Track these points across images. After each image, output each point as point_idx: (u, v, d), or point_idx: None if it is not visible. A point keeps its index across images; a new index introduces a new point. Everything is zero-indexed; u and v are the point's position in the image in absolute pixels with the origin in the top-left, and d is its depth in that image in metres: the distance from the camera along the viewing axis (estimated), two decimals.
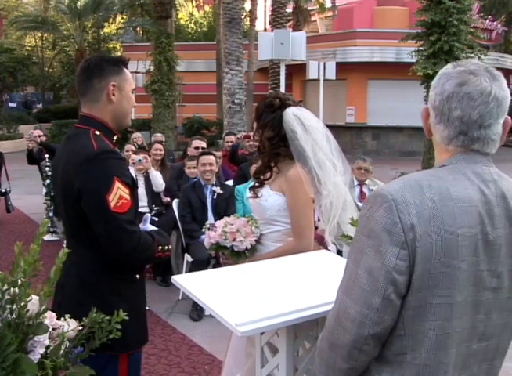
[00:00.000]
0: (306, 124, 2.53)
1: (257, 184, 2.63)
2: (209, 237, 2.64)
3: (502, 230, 1.33)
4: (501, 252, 1.33)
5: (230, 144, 7.37)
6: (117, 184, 1.93)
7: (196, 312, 4.77)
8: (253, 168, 4.53)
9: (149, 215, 2.30)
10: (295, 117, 2.53)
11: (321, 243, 2.95)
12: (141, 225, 2.20)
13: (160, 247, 2.10)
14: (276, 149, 2.55)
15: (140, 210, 5.78)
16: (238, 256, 2.59)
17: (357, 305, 1.30)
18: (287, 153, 2.54)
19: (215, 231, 2.61)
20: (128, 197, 1.97)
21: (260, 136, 2.60)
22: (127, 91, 2.12)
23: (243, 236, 2.56)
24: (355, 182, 5.97)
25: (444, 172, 1.35)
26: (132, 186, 2.03)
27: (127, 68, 2.16)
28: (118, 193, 1.93)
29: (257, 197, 2.60)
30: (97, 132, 2.05)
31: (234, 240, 2.56)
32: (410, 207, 1.26)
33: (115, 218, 1.92)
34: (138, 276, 2.11)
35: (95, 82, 2.08)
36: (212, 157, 5.38)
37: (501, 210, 1.33)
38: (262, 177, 2.61)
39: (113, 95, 2.08)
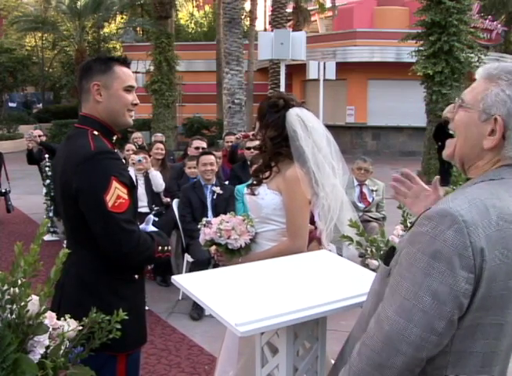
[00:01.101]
0: (308, 126, 2.54)
1: (255, 182, 2.64)
2: (204, 234, 2.65)
3: None
4: None
5: (230, 144, 7.39)
6: (115, 184, 1.93)
7: (197, 311, 4.78)
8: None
9: (151, 217, 2.29)
10: (298, 117, 2.54)
11: (321, 243, 2.95)
12: (141, 226, 2.20)
13: (159, 248, 2.10)
14: (278, 148, 2.56)
15: (140, 210, 5.81)
16: (232, 254, 2.60)
17: (417, 328, 1.24)
18: (288, 153, 2.55)
19: (210, 228, 2.62)
20: (125, 196, 1.96)
21: (263, 136, 2.60)
22: (115, 89, 2.08)
23: (238, 235, 2.57)
24: (355, 183, 5.97)
25: (500, 189, 1.30)
26: (130, 185, 2.03)
27: (126, 66, 2.14)
28: (116, 193, 1.93)
29: (253, 194, 2.61)
30: (95, 132, 2.05)
31: (229, 237, 2.57)
32: (479, 230, 1.22)
33: (113, 217, 1.92)
34: (137, 276, 2.11)
35: (83, 83, 2.10)
36: (212, 157, 5.38)
37: None
38: (261, 176, 2.62)
39: (100, 95, 2.07)
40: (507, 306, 1.28)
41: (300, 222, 2.54)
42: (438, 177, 1.83)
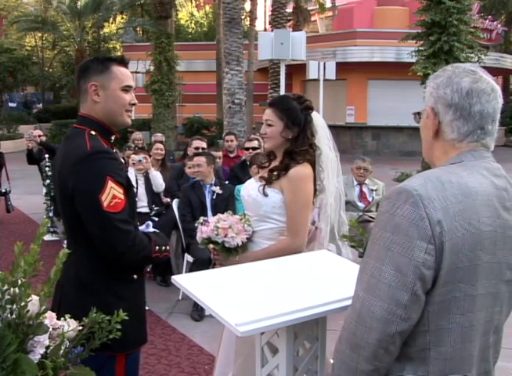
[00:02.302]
0: (321, 126, 2.67)
1: (267, 181, 2.61)
2: (201, 232, 2.66)
3: None
4: None
5: (230, 143, 7.42)
6: (110, 184, 1.93)
7: (197, 312, 4.77)
8: (254, 170, 4.52)
9: (150, 223, 2.28)
10: (316, 118, 2.68)
11: (321, 243, 2.95)
12: (140, 228, 2.20)
13: (157, 248, 2.09)
14: (299, 147, 2.59)
15: (140, 210, 5.81)
16: (229, 252, 2.60)
17: (383, 302, 1.28)
18: (302, 153, 2.58)
19: (207, 226, 2.62)
20: (121, 196, 1.96)
21: (288, 135, 2.60)
22: (112, 90, 2.07)
23: (235, 233, 2.57)
24: (355, 182, 5.97)
25: (458, 169, 1.38)
26: (127, 185, 2.03)
27: (124, 66, 2.13)
28: (111, 193, 1.92)
29: (266, 195, 2.58)
30: (93, 132, 2.04)
31: (225, 236, 2.57)
32: (435, 203, 1.28)
33: (108, 217, 1.92)
34: (136, 276, 2.10)
35: (81, 84, 2.10)
36: (202, 158, 5.34)
37: (510, 204, 1.38)
38: (276, 173, 2.60)
39: (98, 95, 2.06)
40: (477, 278, 1.31)
41: (301, 220, 2.55)
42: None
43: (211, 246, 2.68)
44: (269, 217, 2.60)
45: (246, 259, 2.47)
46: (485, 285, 1.33)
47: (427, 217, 1.26)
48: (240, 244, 2.59)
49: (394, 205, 1.31)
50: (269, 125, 2.61)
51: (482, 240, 1.31)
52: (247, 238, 2.62)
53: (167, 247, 2.17)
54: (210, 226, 2.62)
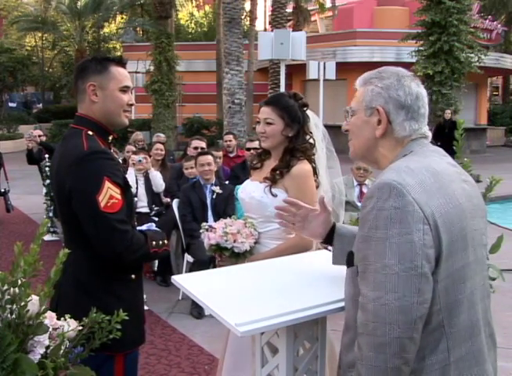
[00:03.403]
0: (317, 125, 2.71)
1: (271, 177, 2.60)
2: (208, 238, 2.61)
3: (474, 193, 1.50)
4: (479, 212, 1.49)
5: (229, 143, 7.43)
6: (107, 184, 1.93)
7: (197, 309, 4.77)
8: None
9: (153, 225, 2.28)
10: (312, 116, 2.70)
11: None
12: (138, 227, 2.20)
13: (153, 243, 2.07)
14: (303, 145, 2.61)
15: (140, 210, 5.82)
16: (237, 258, 2.58)
17: (396, 293, 1.30)
18: (302, 151, 2.60)
19: (215, 232, 2.60)
20: (118, 196, 1.96)
21: (289, 133, 2.60)
22: (111, 90, 2.07)
23: (244, 238, 2.55)
24: (355, 183, 5.97)
25: (414, 157, 1.48)
26: (124, 186, 2.03)
27: (122, 66, 2.13)
28: (108, 193, 1.92)
29: (274, 195, 2.57)
30: (90, 132, 2.04)
31: (235, 241, 2.55)
32: (416, 187, 1.35)
33: (105, 218, 1.91)
34: (134, 276, 2.09)
35: (79, 84, 2.10)
36: (210, 157, 5.37)
37: (465, 176, 1.52)
38: (279, 172, 2.59)
39: (96, 95, 2.06)
40: (468, 246, 1.40)
41: None
42: (323, 195, 2.03)
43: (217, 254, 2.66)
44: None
45: (256, 260, 2.43)
46: (473, 252, 1.42)
47: (414, 201, 1.32)
48: (248, 248, 2.58)
49: (379, 201, 1.35)
50: (269, 124, 2.59)
51: (463, 211, 1.40)
52: (254, 242, 2.61)
53: (165, 241, 2.15)
54: (218, 232, 2.58)
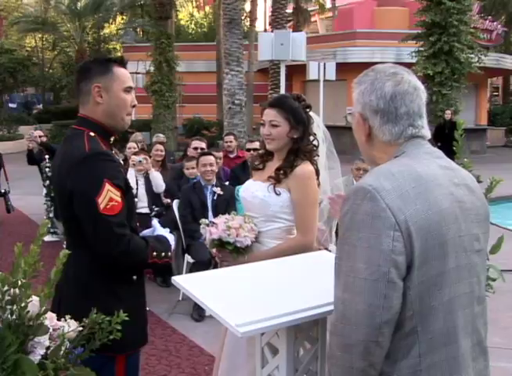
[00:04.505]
0: (318, 125, 2.73)
1: (276, 176, 2.60)
2: (210, 233, 2.59)
3: (467, 197, 1.46)
4: (472, 217, 1.45)
5: (229, 144, 7.42)
6: (107, 186, 1.92)
7: (198, 312, 4.77)
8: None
9: (157, 225, 2.27)
10: (314, 117, 2.71)
11: (321, 243, 2.95)
12: (145, 231, 2.19)
13: (155, 254, 2.05)
14: (304, 146, 2.62)
15: (140, 211, 5.81)
16: (238, 253, 2.58)
17: (363, 296, 1.31)
18: (305, 151, 2.61)
19: (217, 227, 2.59)
20: (118, 199, 1.95)
21: (294, 135, 2.61)
22: (115, 91, 2.07)
23: (247, 232, 2.55)
24: (355, 183, 5.97)
25: (403, 159, 1.46)
26: (125, 188, 2.02)
27: (123, 67, 2.13)
28: (108, 196, 1.92)
29: (278, 194, 2.58)
30: (92, 134, 2.04)
31: (237, 235, 2.54)
32: (391, 192, 1.34)
33: (104, 220, 1.91)
34: (135, 277, 2.09)
35: (82, 85, 2.09)
36: (212, 158, 5.38)
37: (458, 180, 1.47)
38: (283, 171, 2.60)
39: (100, 96, 2.06)
40: (448, 253, 1.37)
41: (311, 217, 2.57)
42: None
43: (214, 250, 2.65)
44: (278, 217, 2.59)
45: (256, 259, 2.43)
46: (456, 259, 1.39)
47: (387, 207, 1.32)
48: (250, 244, 2.58)
49: (354, 204, 1.36)
50: (274, 126, 2.59)
51: (445, 217, 1.37)
52: (255, 237, 2.61)
53: (169, 254, 2.12)
54: (220, 227, 2.58)
